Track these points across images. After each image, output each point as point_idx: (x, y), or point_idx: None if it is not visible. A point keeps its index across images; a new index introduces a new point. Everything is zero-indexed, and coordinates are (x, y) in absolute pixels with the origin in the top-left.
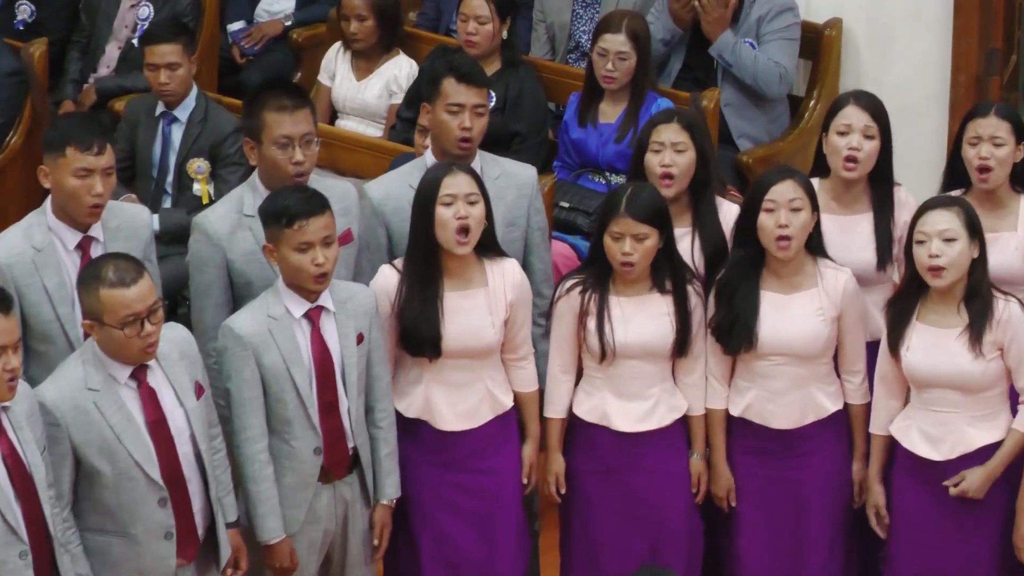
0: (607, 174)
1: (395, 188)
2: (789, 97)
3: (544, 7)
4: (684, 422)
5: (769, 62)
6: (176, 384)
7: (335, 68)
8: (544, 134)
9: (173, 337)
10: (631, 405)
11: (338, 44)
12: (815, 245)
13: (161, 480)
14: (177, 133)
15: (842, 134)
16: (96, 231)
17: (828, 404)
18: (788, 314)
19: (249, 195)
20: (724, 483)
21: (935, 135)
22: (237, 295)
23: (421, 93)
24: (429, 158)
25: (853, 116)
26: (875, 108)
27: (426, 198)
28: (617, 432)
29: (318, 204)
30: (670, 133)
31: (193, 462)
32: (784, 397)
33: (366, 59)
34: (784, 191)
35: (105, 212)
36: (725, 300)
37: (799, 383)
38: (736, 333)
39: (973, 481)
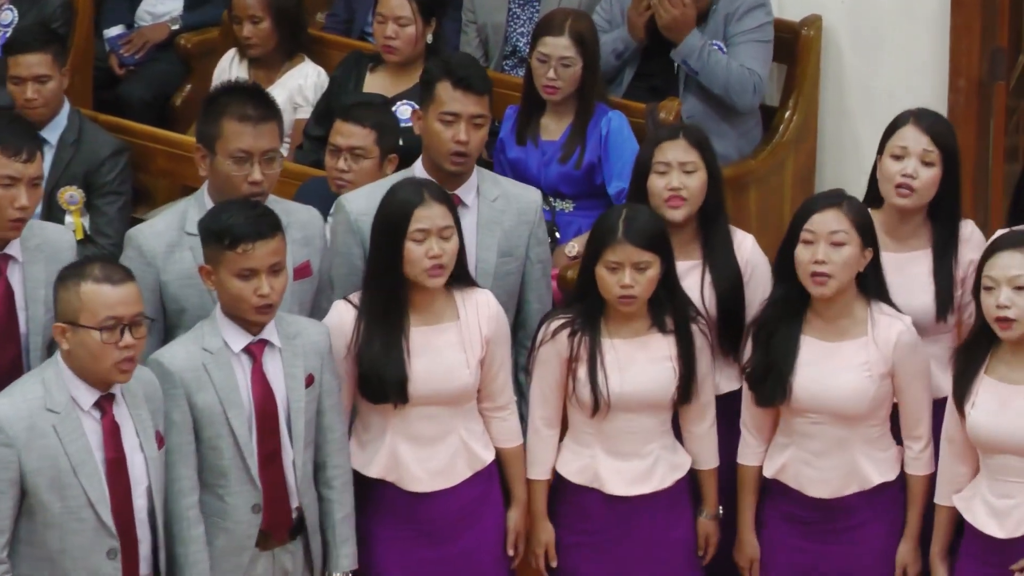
0: (551, 200)
1: (376, 202)
2: (762, 108)
3: (475, 6)
4: (688, 481)
5: (742, 69)
6: (139, 426)
7: (230, 78)
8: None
9: (139, 375)
10: (626, 464)
11: (233, 51)
12: (872, 286)
13: (114, 526)
14: (46, 157)
15: (897, 158)
16: (14, 248)
17: (873, 474)
18: (829, 365)
19: (193, 210)
20: (748, 552)
21: None
22: (169, 324)
23: (332, 106)
24: (419, 171)
25: (911, 138)
26: (938, 130)
27: (394, 229)
28: (610, 496)
29: (268, 225)
30: (677, 152)
31: (146, 520)
32: (823, 461)
33: (265, 67)
34: (826, 221)
35: (26, 229)
36: (762, 343)
37: (841, 446)
38: (770, 383)
39: None
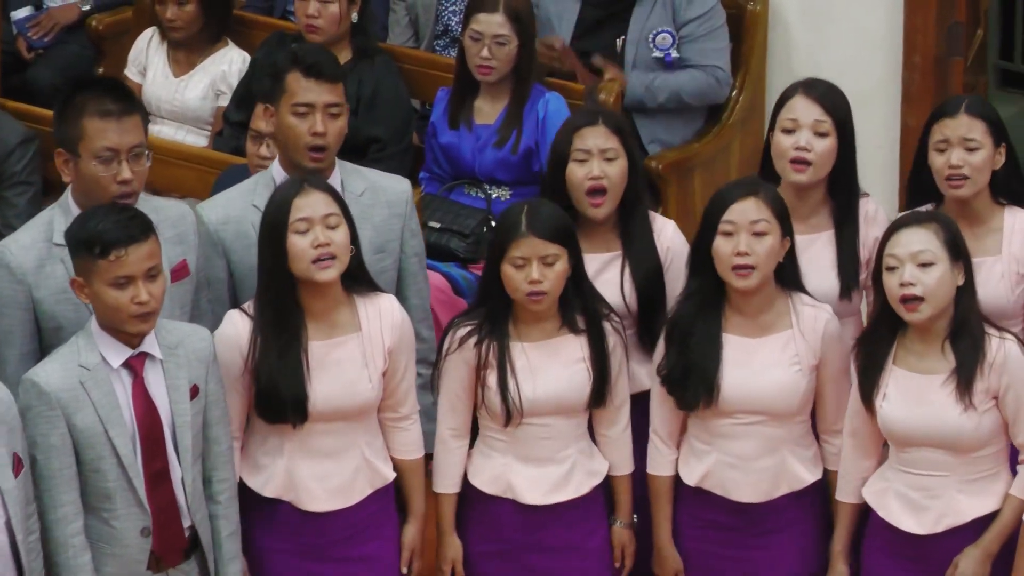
0: (486, 186)
1: (236, 209)
2: None
3: None
4: (604, 487)
5: (699, 74)
6: None
7: (147, 61)
8: (407, 139)
9: None
10: (541, 472)
11: (151, 31)
12: (789, 277)
13: None
14: None
15: (788, 131)
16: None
17: (805, 473)
18: (757, 362)
19: (60, 219)
20: (670, 565)
21: (885, 128)
22: (45, 343)
23: (253, 90)
24: (276, 171)
25: (801, 109)
26: (830, 99)
27: (275, 225)
28: (524, 505)
29: (140, 228)
30: (597, 138)
31: (9, 557)
32: (752, 464)
33: (187, 51)
34: (745, 211)
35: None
36: (678, 343)
37: (771, 447)
38: (693, 385)
39: (968, 567)
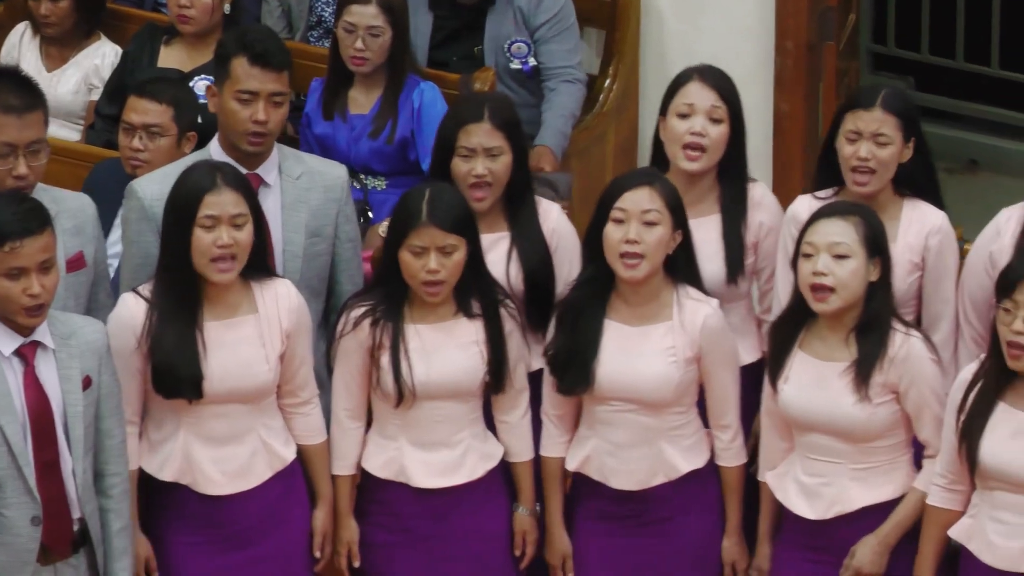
0: (362, 177)
1: (171, 186)
2: None
3: None
4: (501, 471)
5: (566, 88)
6: None
7: (19, 55)
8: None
9: None
10: (435, 456)
11: (23, 26)
12: (681, 269)
13: None
14: None
15: (683, 116)
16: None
17: (681, 463)
18: (634, 351)
19: None
20: (559, 549)
21: (758, 114)
22: None
23: (125, 83)
24: (215, 149)
25: (696, 95)
26: (723, 85)
27: (182, 214)
28: (418, 489)
29: (36, 220)
30: (481, 136)
31: None
32: (627, 451)
33: (60, 46)
34: (638, 200)
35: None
36: (567, 327)
37: (646, 436)
38: (573, 369)
39: (864, 555)
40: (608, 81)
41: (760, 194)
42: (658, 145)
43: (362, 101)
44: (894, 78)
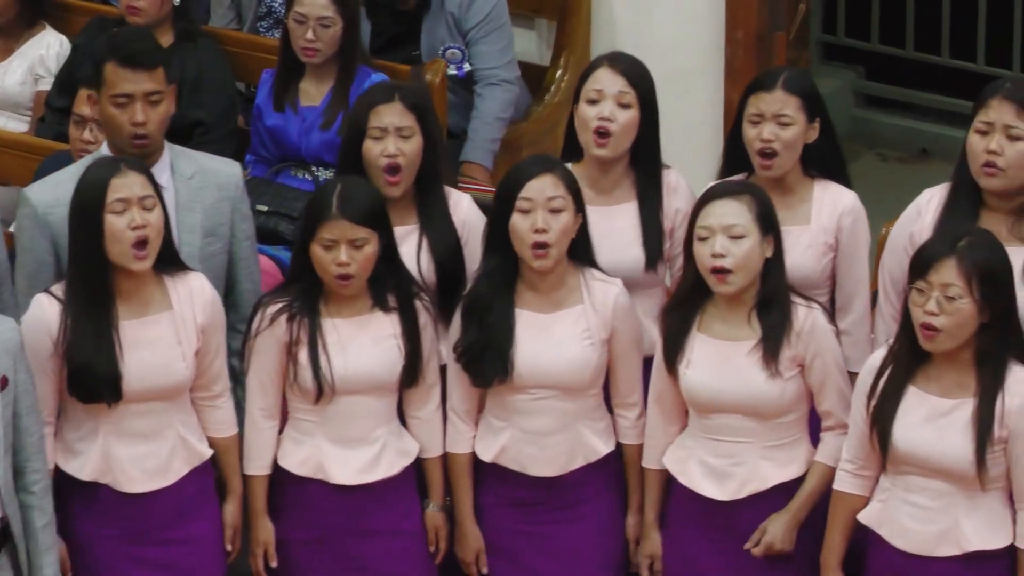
0: (314, 169)
1: (65, 192)
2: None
3: None
4: (417, 468)
5: (494, 94)
6: None
7: None
8: (233, 122)
9: None
10: (353, 452)
11: None
12: (581, 253)
13: None
14: None
15: (592, 102)
16: None
17: (600, 445)
18: (549, 337)
19: None
20: (471, 544)
21: (709, 105)
22: None
23: (75, 75)
24: (106, 153)
25: (605, 80)
26: (633, 71)
27: (90, 205)
28: (336, 486)
29: None
30: (393, 116)
31: None
32: (548, 438)
33: (4, 36)
34: (542, 187)
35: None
36: (476, 321)
37: (565, 421)
38: (489, 361)
39: (776, 531)
40: (559, 72)
41: (675, 180)
42: (571, 132)
43: (313, 92)
44: (844, 68)
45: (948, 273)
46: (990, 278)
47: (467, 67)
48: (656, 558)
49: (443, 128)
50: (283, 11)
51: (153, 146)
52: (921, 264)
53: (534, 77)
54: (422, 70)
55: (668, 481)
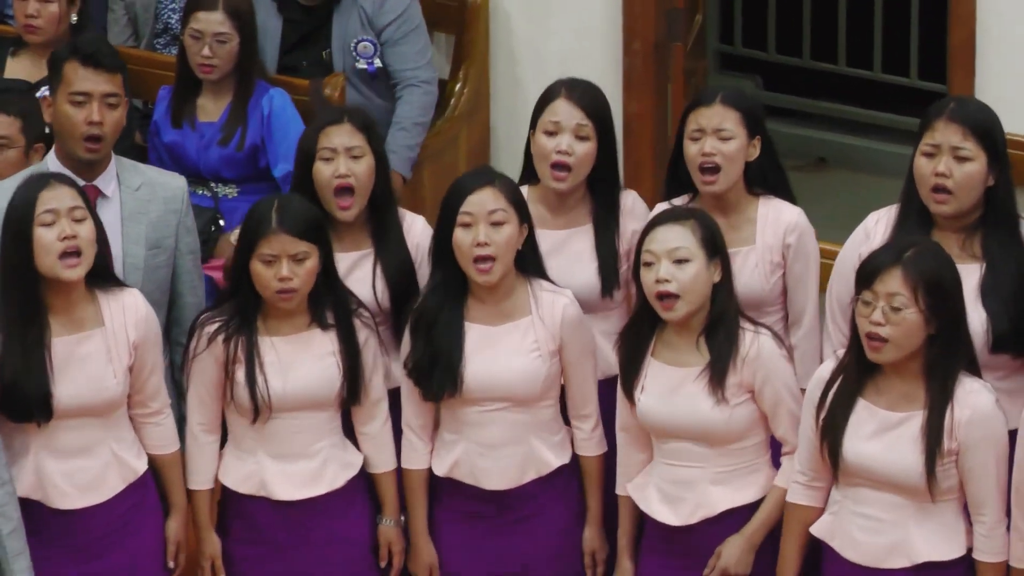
0: (212, 185)
1: (4, 201)
2: None
3: None
4: (363, 480)
5: (410, 95)
6: None
7: None
8: (130, 139)
9: None
10: (294, 467)
11: None
12: (529, 264)
13: None
14: None
15: (550, 134)
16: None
17: (552, 458)
18: (498, 350)
19: None
20: (424, 559)
21: None
22: None
23: None
24: (52, 162)
25: (562, 113)
26: (591, 102)
27: (20, 219)
28: (279, 502)
29: None
30: (343, 136)
31: None
32: (499, 450)
33: None
34: (483, 201)
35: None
36: (423, 335)
37: (517, 433)
38: (437, 376)
39: (731, 555)
40: (459, 85)
41: (631, 202)
42: (528, 159)
43: (211, 108)
44: (741, 78)
45: (893, 283)
46: (936, 288)
47: (377, 63)
48: None
49: None
50: (180, 28)
51: (104, 151)
52: (867, 274)
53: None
54: (320, 84)
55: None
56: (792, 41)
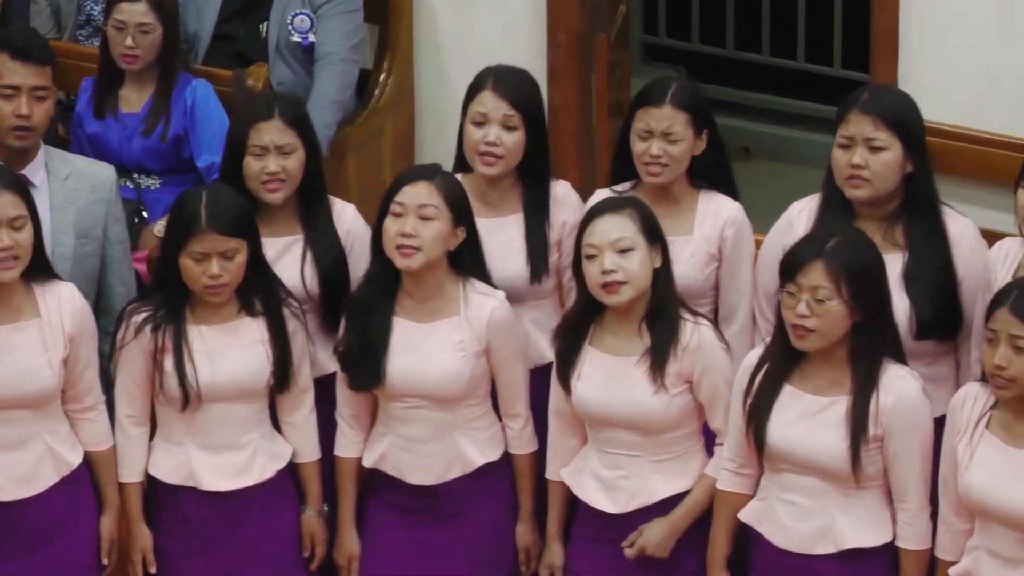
0: (135, 176)
1: None
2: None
3: None
4: (290, 472)
5: (329, 69)
6: None
7: None
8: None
9: None
10: (223, 458)
11: None
12: (467, 264)
13: None
14: None
15: (478, 124)
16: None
17: (476, 456)
18: (422, 347)
19: None
20: (346, 548)
21: None
22: None
23: None
24: None
25: (489, 104)
26: (517, 92)
27: None
28: (208, 493)
29: None
30: (273, 133)
31: None
32: (423, 447)
33: None
34: (415, 194)
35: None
36: (357, 324)
37: (440, 431)
38: (363, 367)
39: (652, 536)
40: (383, 76)
41: (563, 192)
42: (461, 148)
43: (133, 99)
44: (666, 68)
45: (816, 276)
46: (859, 278)
47: (312, 38)
48: (556, 569)
49: None
50: (102, 19)
51: (34, 140)
52: (790, 267)
53: (360, 81)
54: (244, 75)
55: (571, 493)
56: (716, 31)
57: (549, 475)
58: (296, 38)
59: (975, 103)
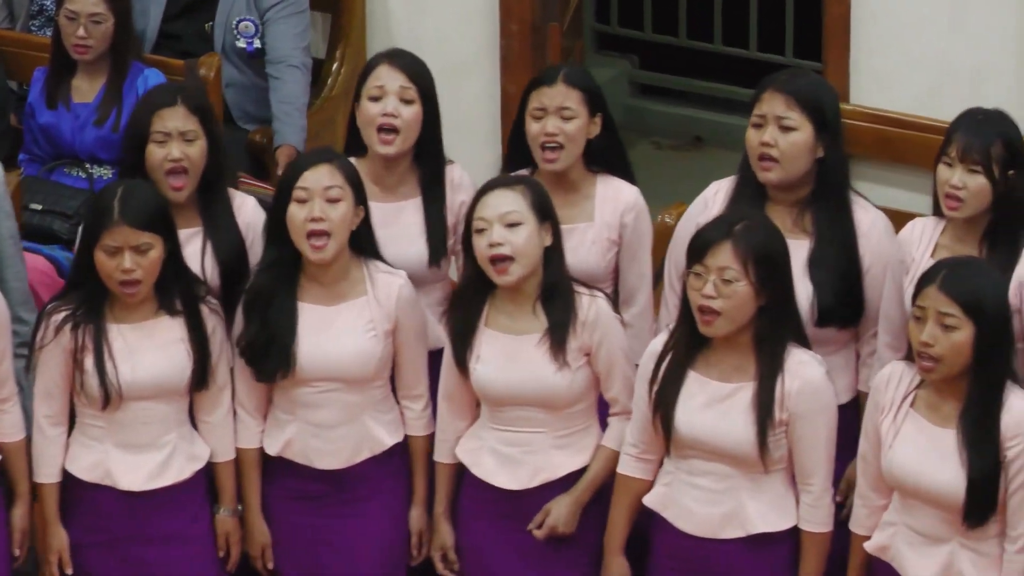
0: (88, 166)
1: None
2: None
3: None
4: (206, 472)
5: (291, 74)
6: None
7: None
8: (5, 121)
9: None
10: (141, 458)
11: None
12: (365, 245)
13: None
14: None
15: (375, 99)
16: None
17: (386, 437)
18: (332, 330)
19: None
20: (257, 539)
21: (486, 97)
22: None
23: None
24: None
25: (386, 77)
26: (413, 67)
27: None
28: (124, 492)
29: None
30: (176, 120)
31: None
32: (333, 431)
33: None
34: (319, 177)
35: None
36: (258, 314)
37: (350, 413)
38: (271, 356)
39: (559, 514)
40: (336, 65)
41: (458, 175)
42: (354, 131)
43: (85, 89)
44: (618, 57)
45: (724, 256)
46: (766, 261)
47: (257, 44)
48: (447, 549)
49: (219, 118)
50: (55, 9)
51: None
52: (698, 248)
53: (312, 69)
54: (196, 64)
55: (459, 474)
56: (668, 20)
57: (438, 457)
58: (241, 43)
59: (928, 92)
